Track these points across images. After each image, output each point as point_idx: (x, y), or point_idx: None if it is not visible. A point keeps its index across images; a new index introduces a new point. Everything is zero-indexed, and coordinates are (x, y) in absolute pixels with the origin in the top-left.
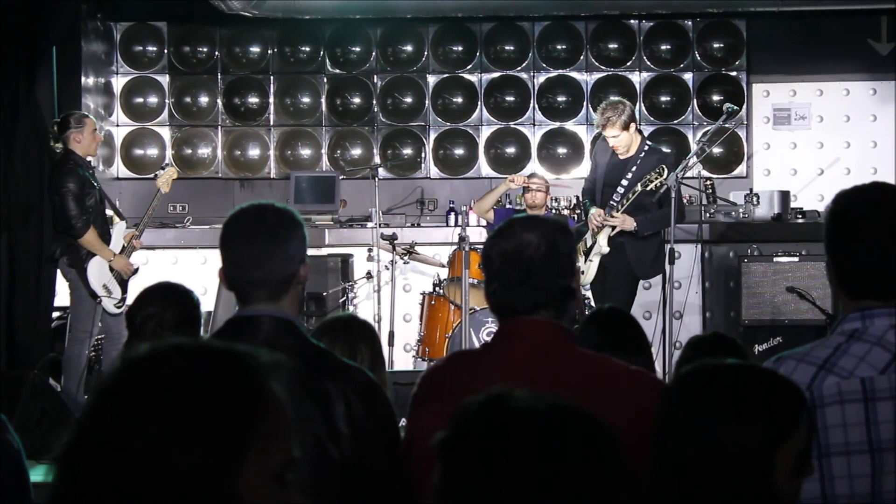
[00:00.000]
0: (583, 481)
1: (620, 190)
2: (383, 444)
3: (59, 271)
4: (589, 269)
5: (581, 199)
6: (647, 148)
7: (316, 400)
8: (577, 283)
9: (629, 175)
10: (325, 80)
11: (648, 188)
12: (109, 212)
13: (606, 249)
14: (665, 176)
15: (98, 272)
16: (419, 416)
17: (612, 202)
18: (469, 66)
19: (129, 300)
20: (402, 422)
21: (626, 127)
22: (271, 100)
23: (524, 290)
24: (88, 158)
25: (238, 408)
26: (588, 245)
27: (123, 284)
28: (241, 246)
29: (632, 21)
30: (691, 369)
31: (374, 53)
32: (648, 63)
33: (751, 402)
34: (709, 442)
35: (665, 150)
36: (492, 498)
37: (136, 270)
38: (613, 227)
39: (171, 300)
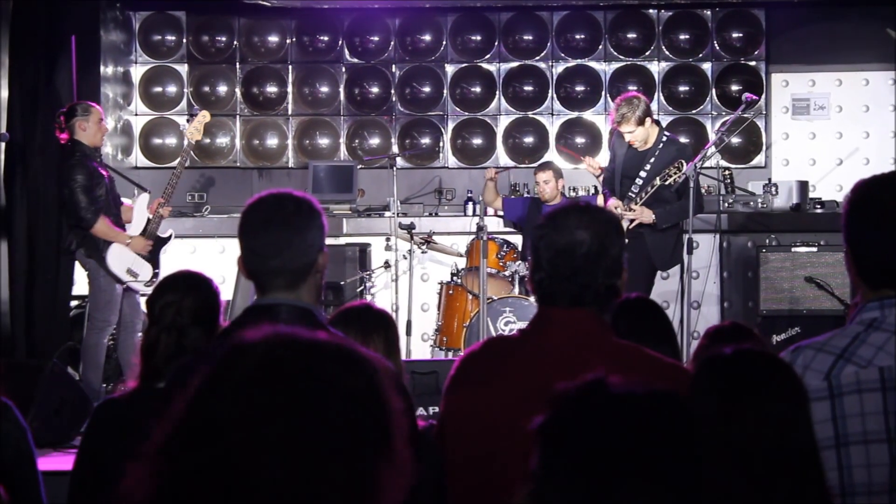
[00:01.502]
0: (679, 465)
1: (639, 182)
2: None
3: (76, 261)
4: None
5: (601, 188)
6: (664, 139)
7: None
8: (622, 281)
9: (647, 167)
10: (344, 69)
11: (667, 182)
12: (127, 201)
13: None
14: (683, 170)
15: (119, 258)
16: (455, 398)
17: (630, 194)
18: (487, 56)
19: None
20: (420, 411)
21: (641, 122)
22: (290, 89)
23: (569, 285)
24: (98, 148)
25: (371, 415)
26: None
27: (154, 261)
28: (259, 234)
29: (650, 10)
30: (711, 357)
31: (392, 43)
32: (667, 53)
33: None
34: (743, 425)
35: (682, 140)
36: (592, 481)
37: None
38: (632, 220)
39: (190, 288)
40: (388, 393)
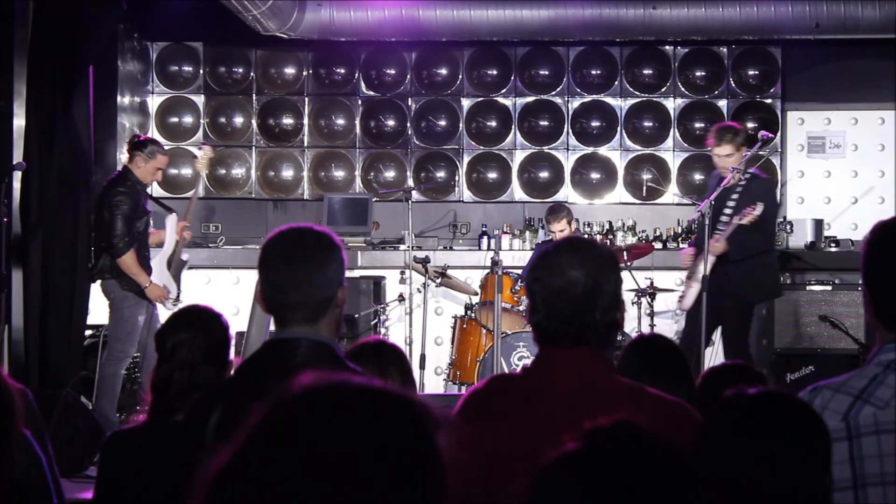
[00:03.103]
0: None
1: (724, 219)
2: None
3: (101, 288)
4: (689, 294)
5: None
6: (748, 175)
7: None
8: (621, 314)
9: (731, 203)
10: (360, 102)
11: (744, 222)
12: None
13: (703, 275)
14: (759, 211)
15: (158, 276)
16: (457, 436)
17: (717, 231)
18: (503, 90)
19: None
20: None
21: (738, 148)
22: (306, 121)
23: (567, 325)
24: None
25: (417, 464)
26: (691, 271)
27: (178, 279)
28: (279, 268)
29: (667, 47)
30: (728, 402)
31: (408, 76)
32: (683, 89)
33: (803, 428)
34: (763, 467)
35: (764, 175)
36: None
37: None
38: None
39: (202, 325)
40: (431, 435)
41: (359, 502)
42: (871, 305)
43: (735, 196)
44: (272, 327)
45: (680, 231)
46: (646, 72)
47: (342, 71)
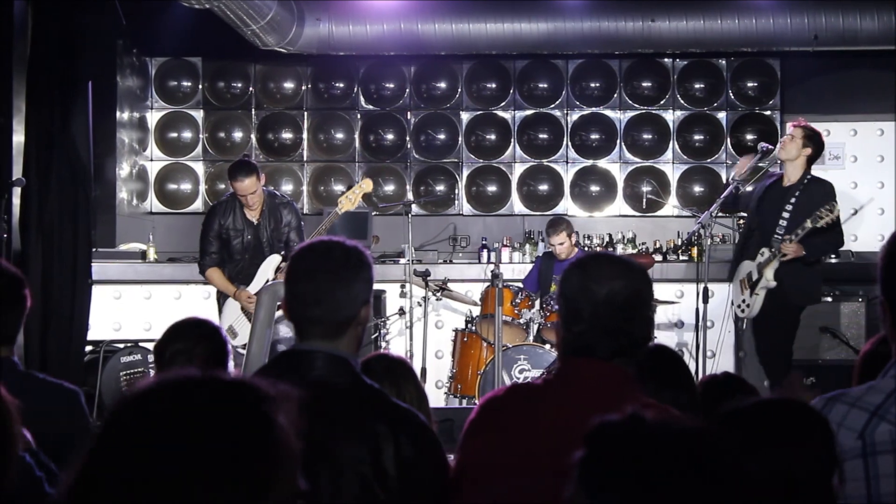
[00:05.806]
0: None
1: (784, 221)
2: (432, 487)
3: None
4: (755, 302)
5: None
6: (808, 179)
7: (364, 440)
8: (651, 331)
9: (789, 207)
10: (359, 116)
11: (819, 225)
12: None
13: (773, 283)
14: (835, 213)
15: (226, 314)
16: (474, 443)
17: (776, 235)
18: (503, 103)
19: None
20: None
21: (806, 146)
22: (305, 135)
23: (612, 337)
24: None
25: (248, 441)
26: (754, 279)
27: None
28: (303, 282)
29: (666, 59)
30: (725, 413)
31: (407, 90)
32: (682, 101)
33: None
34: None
35: (827, 181)
36: None
37: None
38: (781, 260)
39: (201, 336)
40: (271, 415)
41: (204, 485)
42: (889, 317)
43: (793, 200)
44: (272, 343)
45: (680, 243)
46: (645, 84)
47: (341, 85)
